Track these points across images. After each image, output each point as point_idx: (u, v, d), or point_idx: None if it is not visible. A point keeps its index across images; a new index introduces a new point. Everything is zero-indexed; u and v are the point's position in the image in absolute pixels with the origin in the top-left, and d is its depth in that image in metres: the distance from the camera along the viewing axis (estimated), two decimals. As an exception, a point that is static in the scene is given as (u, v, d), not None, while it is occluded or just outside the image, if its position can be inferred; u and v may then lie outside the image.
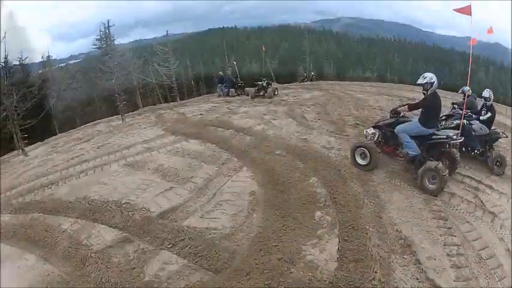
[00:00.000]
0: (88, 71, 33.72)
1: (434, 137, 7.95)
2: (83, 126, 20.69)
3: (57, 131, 24.75)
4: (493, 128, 9.92)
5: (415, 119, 8.12)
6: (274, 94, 19.51)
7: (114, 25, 23.92)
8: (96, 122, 20.84)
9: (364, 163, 8.66)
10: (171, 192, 8.03)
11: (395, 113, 8.61)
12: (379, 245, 6.30)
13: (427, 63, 60.56)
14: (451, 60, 64.98)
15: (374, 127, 8.79)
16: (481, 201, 7.94)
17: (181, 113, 16.87)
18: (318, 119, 13.20)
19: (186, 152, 10.22)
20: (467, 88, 10.25)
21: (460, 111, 9.53)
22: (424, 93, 7.96)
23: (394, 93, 20.07)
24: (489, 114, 9.72)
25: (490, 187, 8.65)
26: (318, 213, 7.13)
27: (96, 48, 26.93)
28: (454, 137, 7.91)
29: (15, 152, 16.42)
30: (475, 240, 6.64)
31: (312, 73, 34.36)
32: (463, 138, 8.17)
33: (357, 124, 12.47)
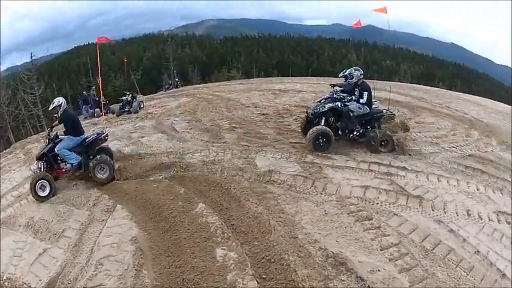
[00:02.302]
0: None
1: (87, 139, 8.85)
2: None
3: None
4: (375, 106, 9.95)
5: (68, 137, 8.70)
6: (140, 108, 18.62)
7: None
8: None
9: (45, 194, 8.35)
10: (46, 257, 6.54)
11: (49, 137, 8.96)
12: (309, 275, 5.11)
13: (293, 54, 63.98)
14: (319, 47, 69.54)
15: (37, 159, 8.87)
16: (400, 186, 7.49)
17: (48, 145, 14.73)
18: (190, 129, 12.36)
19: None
20: (348, 71, 9.91)
21: (341, 93, 9.66)
22: (55, 117, 9.03)
23: (264, 88, 20.38)
24: (366, 93, 9.41)
25: (403, 168, 8.26)
26: (220, 252, 5.75)
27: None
28: (101, 132, 9.35)
29: None
30: (412, 232, 6.07)
31: (177, 79, 34.28)
32: (108, 130, 10.12)
33: (234, 127, 11.84)
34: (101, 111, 19.75)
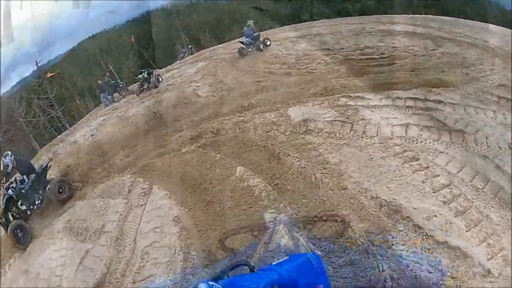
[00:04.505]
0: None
1: None
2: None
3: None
4: None
5: None
6: (159, 81, 18.12)
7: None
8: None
9: None
10: (89, 258, 6.51)
11: None
12: (366, 230, 4.97)
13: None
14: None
15: None
16: (440, 121, 7.08)
17: (74, 142, 14.89)
18: (213, 91, 12.07)
19: (87, 190, 8.65)
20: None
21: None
22: None
23: (279, 37, 18.57)
24: (32, 175, 9.19)
25: (440, 102, 7.76)
26: (268, 216, 5.59)
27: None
28: None
29: None
30: (461, 170, 5.75)
31: (190, 46, 33.33)
32: None
33: (258, 82, 11.51)
34: (120, 94, 19.83)
